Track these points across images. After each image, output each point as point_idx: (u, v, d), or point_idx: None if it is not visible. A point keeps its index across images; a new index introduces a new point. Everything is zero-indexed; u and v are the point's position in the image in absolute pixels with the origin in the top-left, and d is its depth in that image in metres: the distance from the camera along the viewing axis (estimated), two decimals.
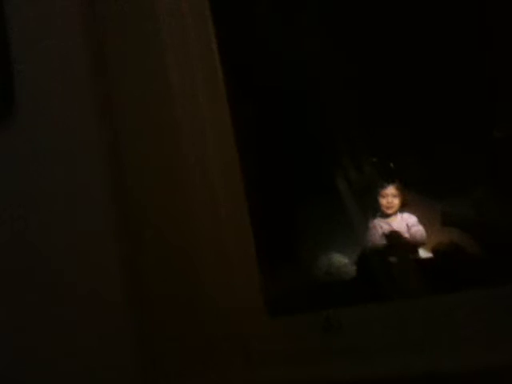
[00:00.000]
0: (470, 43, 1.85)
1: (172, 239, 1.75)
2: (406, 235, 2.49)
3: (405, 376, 1.50)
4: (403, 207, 2.59)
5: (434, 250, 2.40)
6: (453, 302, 1.67)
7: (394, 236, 2.41)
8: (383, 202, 2.57)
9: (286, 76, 2.39)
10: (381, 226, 2.56)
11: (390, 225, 2.56)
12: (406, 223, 2.54)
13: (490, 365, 1.42)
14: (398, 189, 2.58)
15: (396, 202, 2.57)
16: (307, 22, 2.29)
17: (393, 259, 2.36)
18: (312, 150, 2.53)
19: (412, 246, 2.39)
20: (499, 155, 2.06)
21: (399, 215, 2.58)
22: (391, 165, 2.62)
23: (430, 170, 2.44)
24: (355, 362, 1.60)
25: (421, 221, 2.52)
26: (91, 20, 1.72)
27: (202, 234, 1.80)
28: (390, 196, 2.57)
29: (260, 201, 2.03)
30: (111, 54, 1.80)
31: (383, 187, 2.58)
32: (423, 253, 2.46)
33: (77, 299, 1.52)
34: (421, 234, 2.47)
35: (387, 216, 2.59)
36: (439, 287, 1.95)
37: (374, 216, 2.61)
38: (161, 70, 1.81)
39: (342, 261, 2.54)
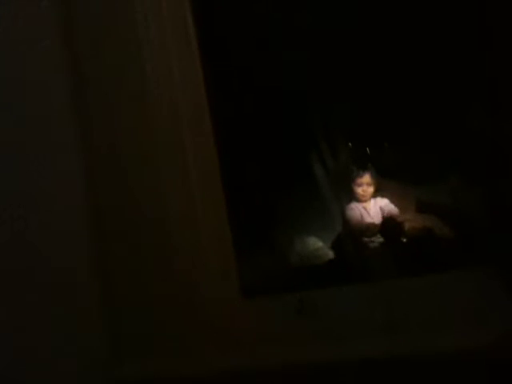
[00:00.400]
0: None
1: (149, 230, 1.76)
2: (382, 216, 2.55)
3: (378, 358, 1.55)
4: (376, 192, 2.65)
5: (407, 235, 2.46)
6: (426, 285, 1.74)
7: (391, 222, 2.48)
8: (358, 190, 2.63)
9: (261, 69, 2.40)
10: (359, 208, 2.62)
11: (365, 209, 2.61)
12: (379, 206, 2.60)
13: (463, 346, 1.48)
14: (372, 177, 2.63)
15: (370, 190, 2.63)
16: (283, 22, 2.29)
17: (373, 244, 2.43)
18: (288, 135, 2.54)
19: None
20: (474, 145, 2.10)
21: (372, 200, 2.64)
22: (367, 150, 2.66)
23: (406, 157, 2.48)
24: (330, 344, 1.65)
25: (396, 206, 2.57)
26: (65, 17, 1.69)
27: (178, 220, 1.82)
28: (365, 185, 2.62)
29: (236, 186, 2.04)
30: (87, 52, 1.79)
31: (358, 175, 2.62)
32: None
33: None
34: (396, 211, 2.54)
35: (361, 201, 2.64)
36: (413, 270, 2.01)
37: (350, 200, 2.66)
38: (139, 67, 1.81)
39: (317, 244, 2.58)
